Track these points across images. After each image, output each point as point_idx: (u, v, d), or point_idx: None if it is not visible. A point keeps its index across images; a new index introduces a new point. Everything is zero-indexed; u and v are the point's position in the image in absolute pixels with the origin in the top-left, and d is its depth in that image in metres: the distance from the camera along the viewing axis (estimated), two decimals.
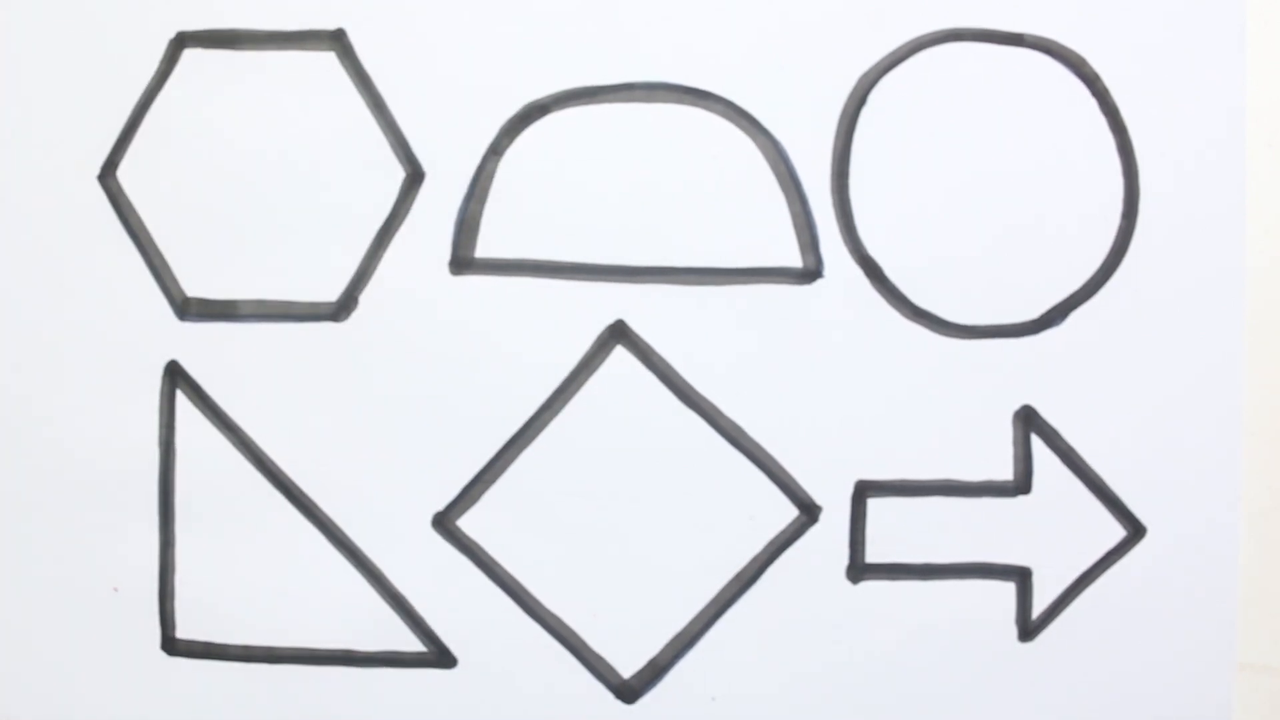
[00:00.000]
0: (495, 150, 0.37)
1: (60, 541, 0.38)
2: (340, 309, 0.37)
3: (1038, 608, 0.38)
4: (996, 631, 0.38)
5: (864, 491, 0.38)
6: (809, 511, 0.38)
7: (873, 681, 0.38)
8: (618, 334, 0.38)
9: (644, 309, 0.37)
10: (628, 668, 0.38)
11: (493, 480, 0.38)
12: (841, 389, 0.37)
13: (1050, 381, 0.37)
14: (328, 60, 0.37)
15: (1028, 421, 0.37)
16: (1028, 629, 0.38)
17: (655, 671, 0.38)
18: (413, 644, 0.38)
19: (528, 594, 0.38)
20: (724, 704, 0.38)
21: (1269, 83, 0.37)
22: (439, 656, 0.38)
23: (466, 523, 0.38)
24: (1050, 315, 0.37)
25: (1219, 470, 0.37)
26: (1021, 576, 0.38)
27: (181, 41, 0.37)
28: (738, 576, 0.38)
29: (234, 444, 0.38)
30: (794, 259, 0.37)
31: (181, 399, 0.37)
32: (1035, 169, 0.37)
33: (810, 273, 0.37)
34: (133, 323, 0.37)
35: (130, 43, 0.37)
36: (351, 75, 0.37)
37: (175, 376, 0.37)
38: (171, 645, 0.38)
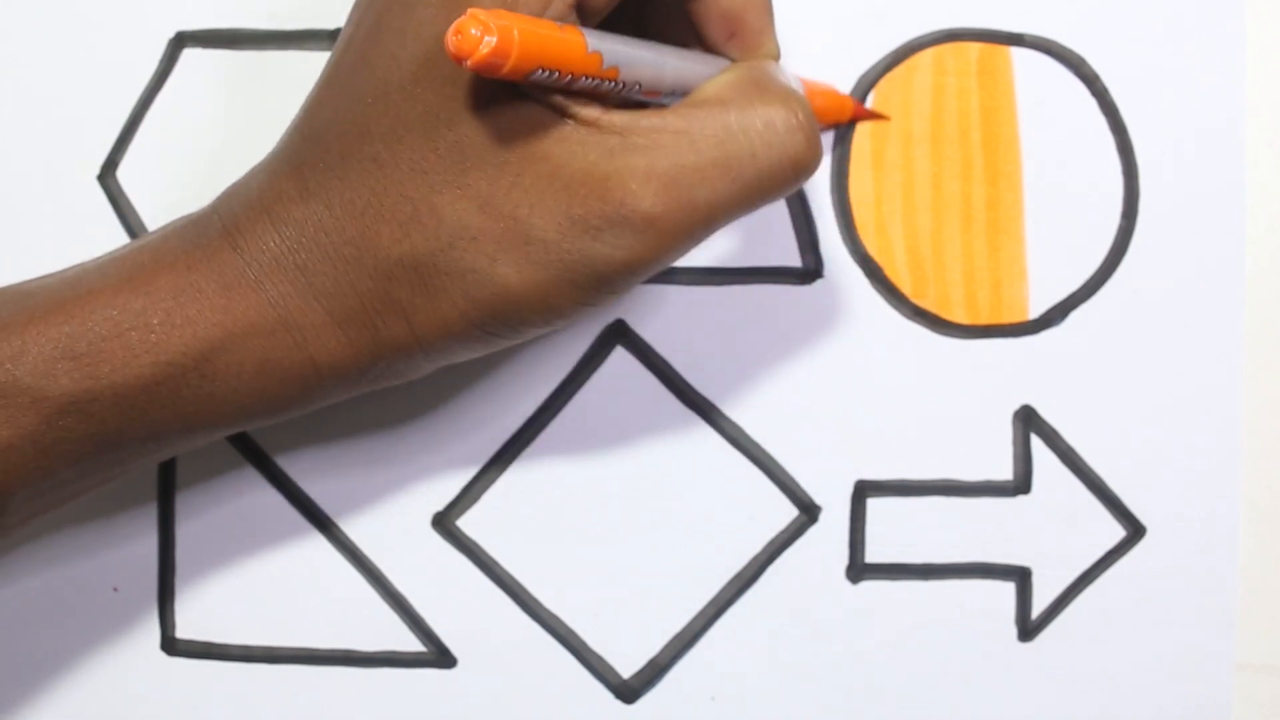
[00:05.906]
0: None
1: (60, 541, 0.38)
2: None
3: (1038, 608, 0.38)
4: (996, 631, 0.38)
5: (864, 491, 0.38)
6: (809, 511, 0.38)
7: (873, 681, 0.38)
8: (618, 334, 0.38)
9: (644, 309, 0.37)
10: (628, 668, 0.38)
11: (493, 480, 0.38)
12: (841, 389, 0.37)
13: (1050, 381, 0.37)
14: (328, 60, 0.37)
15: (1028, 421, 0.37)
16: (1028, 629, 0.38)
17: (655, 671, 0.38)
18: (413, 644, 0.38)
19: (528, 594, 0.38)
20: (724, 704, 0.38)
21: (1269, 83, 0.37)
22: (439, 656, 0.38)
23: (466, 523, 0.38)
24: (1050, 315, 0.37)
25: (1219, 470, 0.37)
26: (1021, 576, 0.38)
27: (181, 41, 0.37)
28: (737, 576, 0.38)
29: (234, 443, 0.38)
30: (794, 259, 0.37)
31: None
32: (1034, 169, 0.37)
33: (810, 273, 0.37)
34: None
35: (130, 43, 0.37)
36: None
37: None
38: (171, 645, 0.38)
